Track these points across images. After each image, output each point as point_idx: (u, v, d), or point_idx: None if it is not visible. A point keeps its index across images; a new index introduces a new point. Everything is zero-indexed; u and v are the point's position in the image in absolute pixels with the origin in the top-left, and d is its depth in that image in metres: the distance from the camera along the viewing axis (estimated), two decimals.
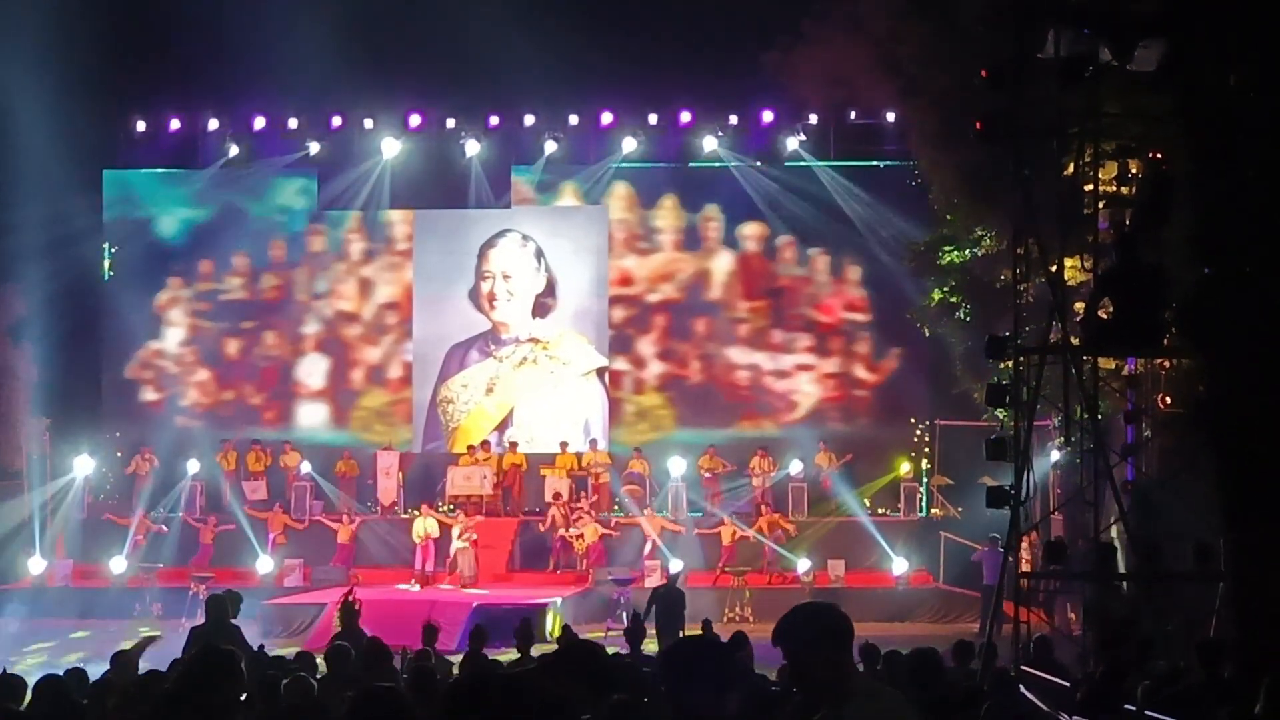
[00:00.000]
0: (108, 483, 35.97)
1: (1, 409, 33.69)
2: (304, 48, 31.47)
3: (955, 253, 29.39)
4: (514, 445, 35.14)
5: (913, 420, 35.59)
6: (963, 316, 29.66)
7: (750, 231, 36.99)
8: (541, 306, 37.23)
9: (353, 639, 14.75)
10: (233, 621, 15.37)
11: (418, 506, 33.05)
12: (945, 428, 33.46)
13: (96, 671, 13.05)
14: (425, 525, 31.68)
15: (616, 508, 33.71)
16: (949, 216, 29.31)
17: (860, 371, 36.70)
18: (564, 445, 34.76)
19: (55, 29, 30.24)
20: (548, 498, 33.25)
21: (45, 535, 33.21)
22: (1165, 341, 17.55)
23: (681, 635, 20.21)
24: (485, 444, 35.23)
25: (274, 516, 33.00)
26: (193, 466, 34.46)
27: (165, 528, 32.96)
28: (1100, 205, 18.37)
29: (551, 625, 26.21)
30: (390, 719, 6.14)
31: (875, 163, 35.65)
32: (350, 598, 17.30)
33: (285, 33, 31.38)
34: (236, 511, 33.24)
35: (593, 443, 35.38)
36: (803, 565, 30.79)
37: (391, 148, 36.74)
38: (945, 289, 29.95)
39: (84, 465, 34.45)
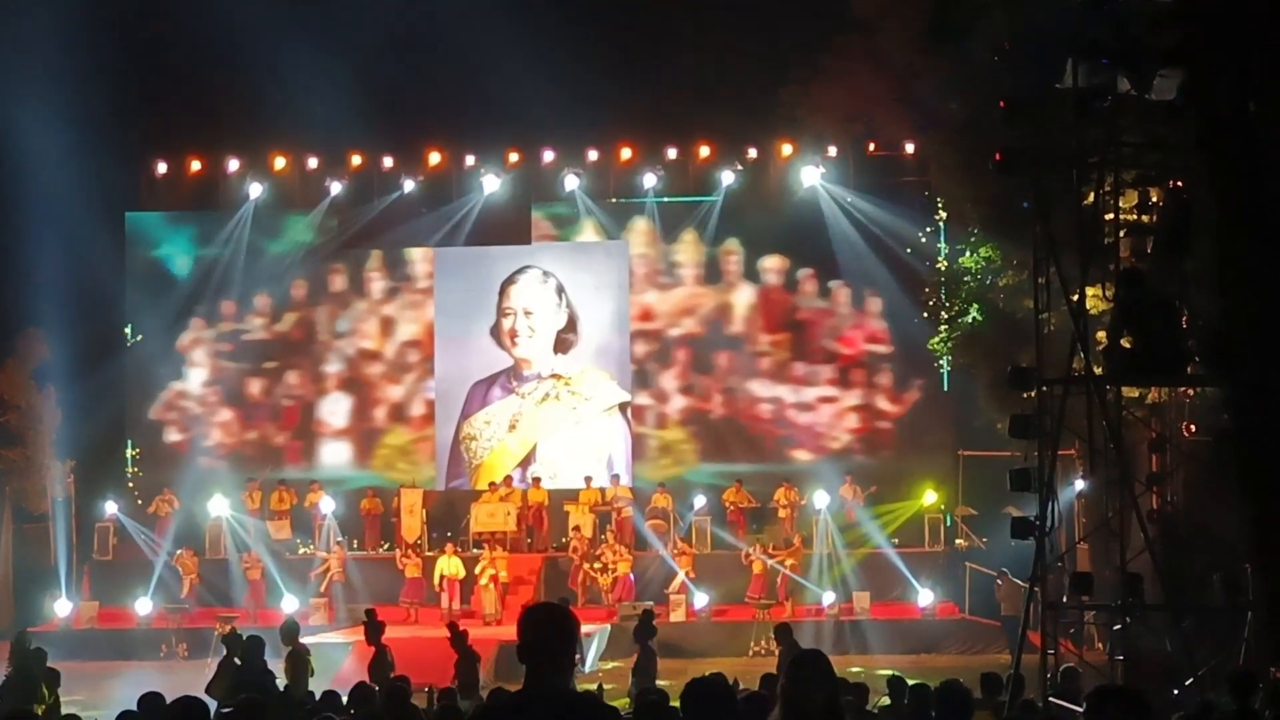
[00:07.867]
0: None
1: (26, 452, 33.74)
2: (323, 87, 31.68)
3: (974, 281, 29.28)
4: (537, 481, 35.09)
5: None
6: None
7: (771, 265, 36.94)
8: (563, 342, 37.24)
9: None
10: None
11: (441, 546, 32.82)
12: (969, 458, 33.32)
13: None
14: (448, 565, 31.59)
15: (641, 543, 33.55)
16: (976, 250, 29.23)
17: (883, 403, 36.59)
18: (588, 481, 34.76)
19: (76, 73, 30.43)
20: (570, 534, 33.23)
21: (72, 577, 33.33)
22: (1189, 370, 17.50)
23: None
24: (508, 480, 35.20)
25: (337, 553, 32.77)
26: (216, 506, 34.46)
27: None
28: (1121, 234, 18.32)
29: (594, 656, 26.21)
30: None
31: (895, 194, 35.62)
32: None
33: (304, 73, 31.56)
34: (262, 551, 33.17)
35: (615, 478, 35.32)
36: (828, 598, 30.68)
37: (411, 186, 36.94)
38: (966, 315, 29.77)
39: (111, 508, 34.58)
